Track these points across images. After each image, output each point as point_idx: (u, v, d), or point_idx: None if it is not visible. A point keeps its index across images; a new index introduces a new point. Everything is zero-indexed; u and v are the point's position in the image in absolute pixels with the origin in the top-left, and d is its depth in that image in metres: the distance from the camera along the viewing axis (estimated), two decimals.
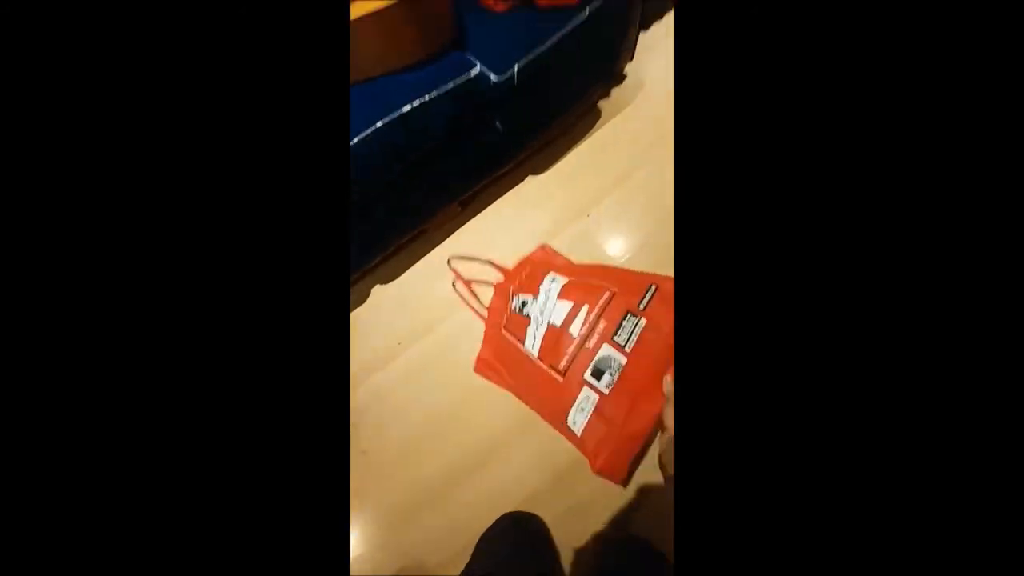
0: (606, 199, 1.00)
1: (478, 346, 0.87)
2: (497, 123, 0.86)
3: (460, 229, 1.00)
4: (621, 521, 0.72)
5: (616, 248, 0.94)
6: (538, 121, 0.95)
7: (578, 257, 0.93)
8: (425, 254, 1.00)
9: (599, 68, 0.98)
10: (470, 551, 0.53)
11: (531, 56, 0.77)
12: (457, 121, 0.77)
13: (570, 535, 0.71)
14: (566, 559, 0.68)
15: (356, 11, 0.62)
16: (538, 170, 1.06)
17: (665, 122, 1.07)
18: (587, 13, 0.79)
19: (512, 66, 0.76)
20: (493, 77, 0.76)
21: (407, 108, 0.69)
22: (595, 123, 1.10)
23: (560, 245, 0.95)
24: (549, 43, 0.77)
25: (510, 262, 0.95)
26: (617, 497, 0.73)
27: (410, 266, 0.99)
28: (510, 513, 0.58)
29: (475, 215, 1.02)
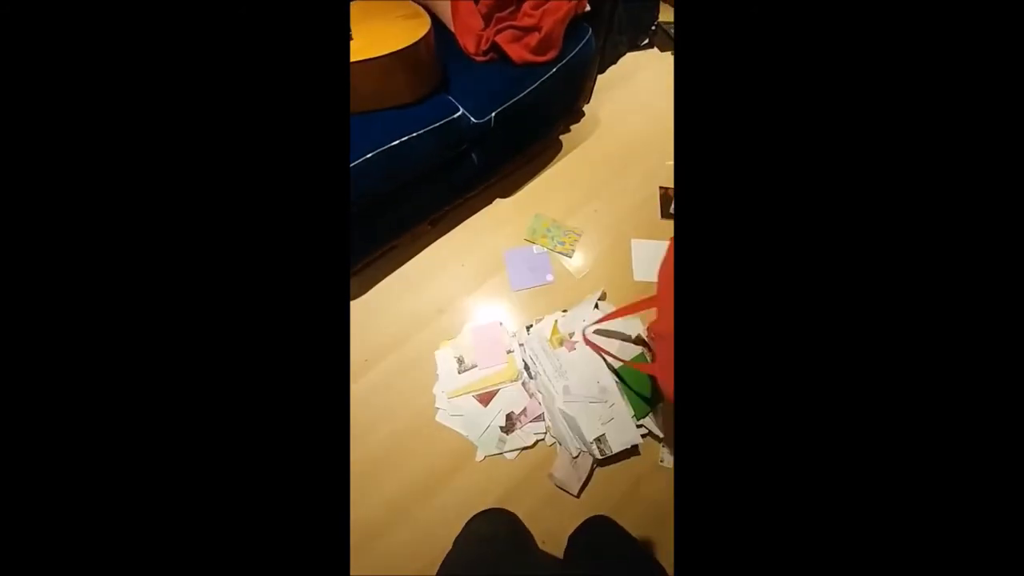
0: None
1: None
2: (473, 156, 0.93)
3: (430, 246, 1.05)
4: (579, 509, 0.81)
5: (572, 265, 1.06)
6: (509, 154, 1.03)
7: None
8: (394, 270, 1.02)
9: (563, 109, 1.09)
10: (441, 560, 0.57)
11: (507, 104, 0.86)
12: (439, 155, 0.83)
13: (543, 525, 0.78)
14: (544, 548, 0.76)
15: (356, 53, 0.66)
16: (506, 193, 1.13)
17: (617, 156, 1.21)
18: (556, 69, 0.88)
19: (490, 113, 0.85)
20: (473, 119, 0.84)
21: (396, 142, 0.74)
22: (556, 154, 1.21)
23: None
24: (523, 94, 0.87)
25: (479, 279, 1.02)
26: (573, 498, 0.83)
27: (378, 281, 1.01)
28: (484, 510, 0.64)
29: (444, 233, 1.07)
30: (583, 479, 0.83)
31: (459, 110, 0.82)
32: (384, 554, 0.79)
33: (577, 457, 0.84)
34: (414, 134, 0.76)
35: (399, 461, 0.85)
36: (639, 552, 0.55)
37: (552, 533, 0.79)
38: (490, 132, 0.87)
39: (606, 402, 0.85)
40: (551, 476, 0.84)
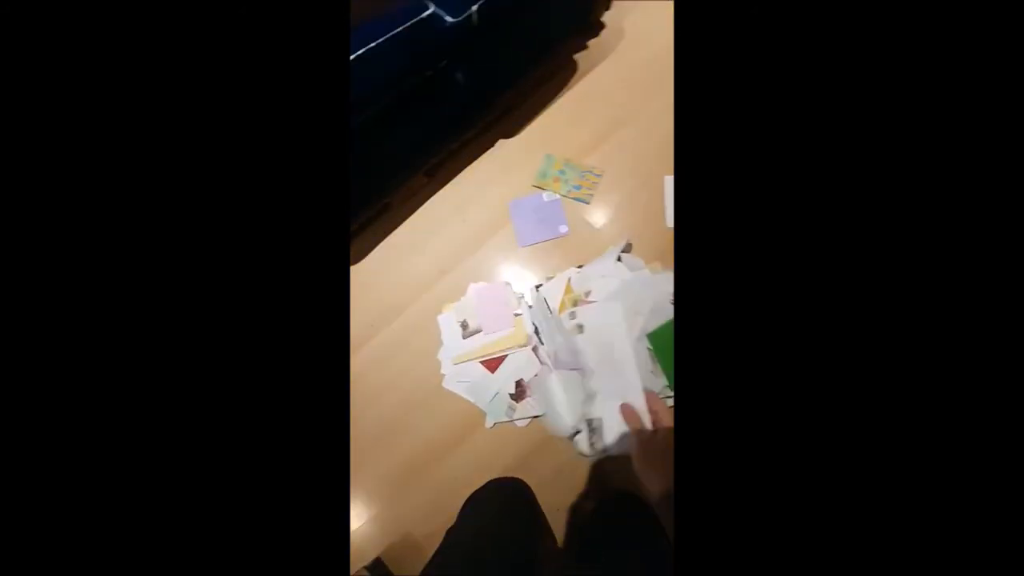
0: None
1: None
2: (458, 75, 0.77)
3: (427, 202, 0.95)
4: (603, 480, 0.75)
5: (591, 213, 0.91)
6: (505, 74, 0.85)
7: None
8: (391, 231, 0.94)
9: (572, 13, 0.87)
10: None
11: None
12: (412, 72, 0.68)
13: (556, 497, 0.74)
14: (558, 520, 0.72)
15: None
16: (509, 133, 0.98)
17: (648, 74, 0.99)
18: None
19: (471, 7, 0.66)
20: (448, 19, 0.66)
21: (352, 57, 0.60)
22: (570, 78, 1.01)
23: None
24: None
25: (483, 235, 0.91)
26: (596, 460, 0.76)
27: (375, 246, 0.94)
28: (494, 479, 0.60)
29: (442, 186, 0.95)
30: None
31: (430, 6, 0.65)
32: (394, 520, 0.79)
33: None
34: (374, 44, 0.61)
35: (407, 429, 0.83)
36: (658, 546, 0.48)
37: (566, 505, 0.76)
38: (474, 37, 0.69)
39: (617, 374, 0.74)
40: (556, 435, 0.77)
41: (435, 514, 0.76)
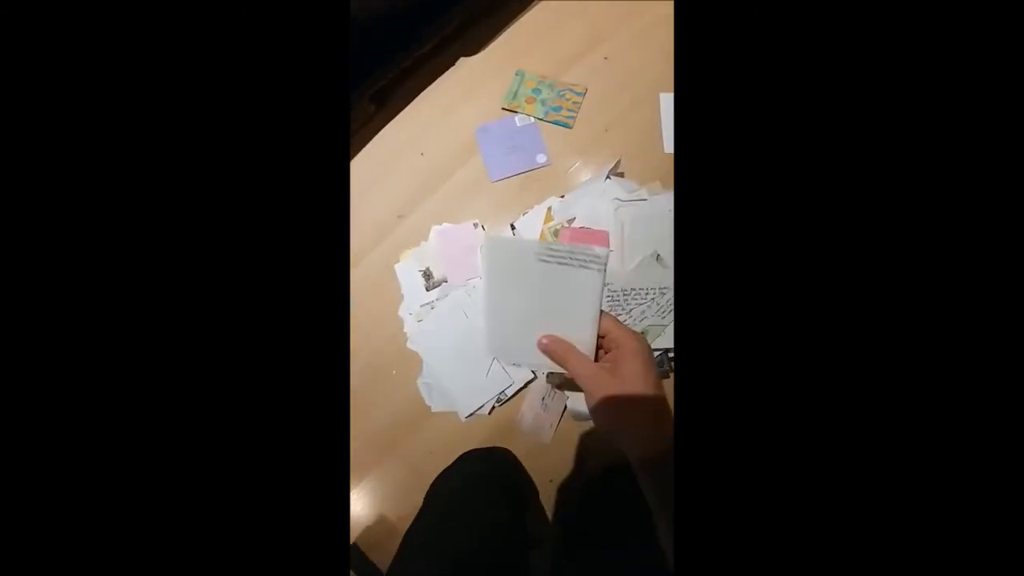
0: (565, 76, 0.79)
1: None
2: None
3: (377, 135, 0.80)
4: (591, 455, 0.65)
5: (574, 138, 0.76)
6: None
7: None
8: None
9: None
10: None
11: None
12: None
13: (547, 468, 0.64)
14: (548, 492, 0.62)
15: None
16: (472, 49, 0.82)
17: None
18: None
19: None
20: None
21: None
22: None
23: None
24: None
25: (446, 170, 0.77)
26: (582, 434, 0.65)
27: None
28: (471, 450, 0.51)
29: (395, 115, 0.80)
30: (556, 424, 0.64)
31: None
32: (366, 502, 0.68)
33: (545, 399, 0.64)
34: None
35: (372, 400, 0.71)
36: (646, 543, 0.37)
37: (559, 473, 0.65)
38: None
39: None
40: (519, 424, 0.66)
41: (412, 492, 0.65)
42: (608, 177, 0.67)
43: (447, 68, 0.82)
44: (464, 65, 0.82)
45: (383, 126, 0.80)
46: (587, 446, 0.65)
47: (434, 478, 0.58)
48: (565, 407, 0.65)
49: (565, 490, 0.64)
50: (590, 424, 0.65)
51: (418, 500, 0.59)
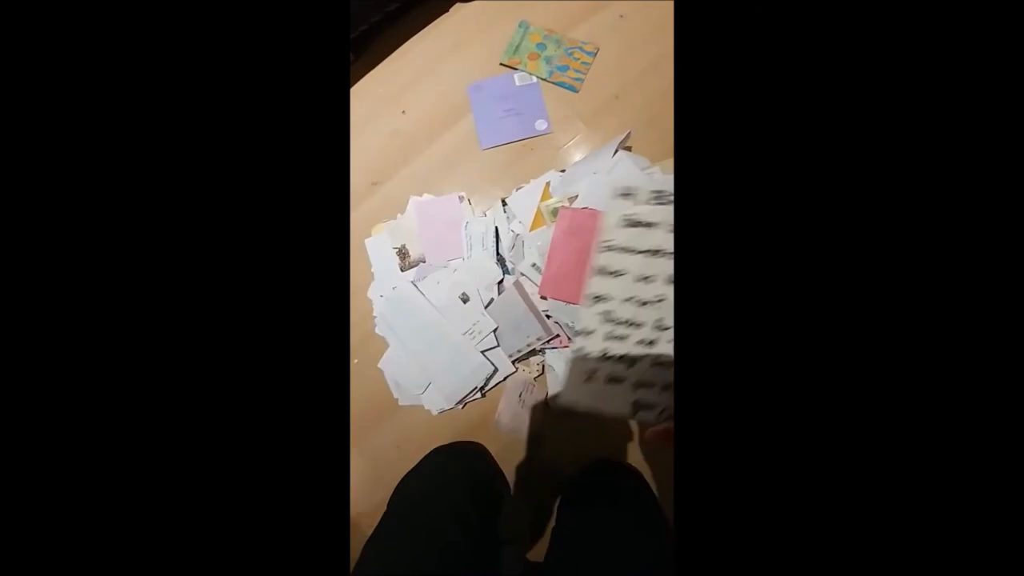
0: (573, 32, 0.68)
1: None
2: None
3: (352, 88, 0.69)
4: (569, 450, 0.57)
5: (582, 103, 0.66)
6: None
7: None
8: None
9: None
10: None
11: None
12: None
13: (523, 465, 0.57)
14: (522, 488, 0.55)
15: None
16: None
17: None
18: None
19: None
20: None
21: None
22: None
23: None
24: None
25: (430, 132, 0.67)
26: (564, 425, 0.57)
27: None
28: (440, 446, 0.49)
29: (374, 66, 0.69)
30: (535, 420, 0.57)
31: None
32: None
33: (523, 394, 0.56)
34: None
35: None
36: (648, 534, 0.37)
37: (535, 468, 0.57)
38: None
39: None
40: (497, 422, 0.58)
41: (376, 488, 0.58)
42: (616, 151, 0.57)
43: (439, 14, 0.70)
44: (459, 10, 0.71)
45: (360, 78, 0.69)
46: (565, 440, 0.58)
47: (401, 475, 0.52)
48: (545, 402, 0.58)
49: (542, 487, 0.57)
50: (569, 418, 0.57)
51: (383, 496, 0.52)
